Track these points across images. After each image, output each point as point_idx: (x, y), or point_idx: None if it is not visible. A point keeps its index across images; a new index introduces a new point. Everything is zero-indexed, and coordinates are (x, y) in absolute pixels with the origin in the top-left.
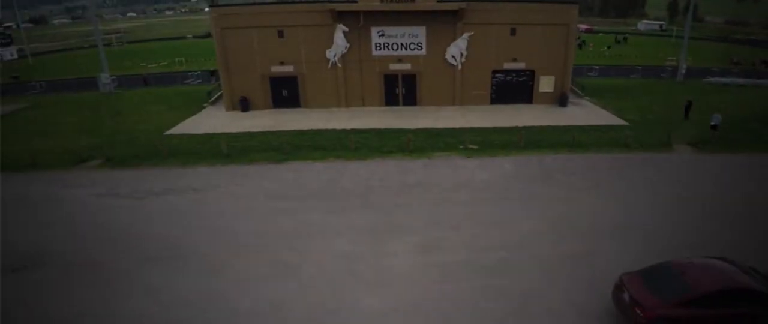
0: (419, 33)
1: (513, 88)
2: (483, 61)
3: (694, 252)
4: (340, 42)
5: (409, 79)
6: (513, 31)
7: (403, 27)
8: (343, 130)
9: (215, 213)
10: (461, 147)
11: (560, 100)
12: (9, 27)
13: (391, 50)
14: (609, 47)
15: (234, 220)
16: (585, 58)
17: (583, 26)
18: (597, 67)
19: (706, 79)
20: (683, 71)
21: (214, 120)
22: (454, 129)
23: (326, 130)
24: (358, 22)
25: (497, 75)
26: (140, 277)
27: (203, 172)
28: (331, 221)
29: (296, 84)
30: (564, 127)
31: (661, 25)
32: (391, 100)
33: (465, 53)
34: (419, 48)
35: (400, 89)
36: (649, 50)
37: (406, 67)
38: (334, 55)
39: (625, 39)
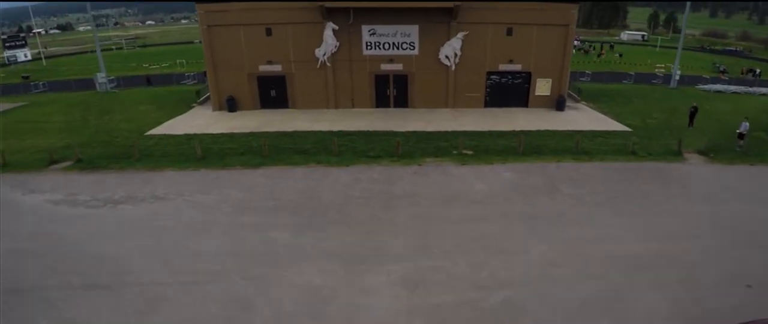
0: (412, 32)
1: (508, 91)
2: (478, 62)
3: (743, 287)
4: (329, 40)
5: (401, 80)
6: (509, 32)
7: (395, 25)
8: (329, 132)
9: (169, 228)
10: (455, 152)
11: (557, 103)
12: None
13: (382, 50)
14: (620, 55)
15: (188, 237)
16: (579, 64)
17: None
18: (589, 72)
19: (698, 86)
20: (677, 78)
21: (199, 120)
22: (446, 132)
23: (311, 132)
24: (348, 19)
25: (492, 77)
26: (59, 312)
27: (171, 178)
28: (301, 242)
29: (284, 84)
30: (564, 131)
31: (643, 36)
32: (382, 101)
33: (459, 54)
34: (412, 48)
35: (391, 90)
36: (637, 57)
37: (398, 67)
38: (324, 54)
39: (611, 47)
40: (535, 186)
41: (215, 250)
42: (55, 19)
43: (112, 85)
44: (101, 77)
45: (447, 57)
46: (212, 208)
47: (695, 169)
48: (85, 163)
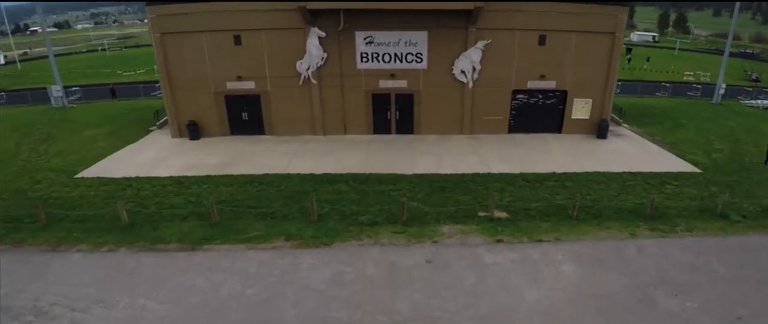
0: (419, 40)
1: (538, 113)
2: (501, 78)
3: None
4: (314, 51)
5: (405, 101)
6: (542, 40)
7: (398, 32)
8: (311, 176)
9: None
10: (483, 215)
11: (599, 129)
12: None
13: (381, 62)
14: (648, 60)
15: None
16: None
17: None
18: (619, 82)
19: (743, 101)
20: (721, 92)
21: (150, 152)
22: (466, 176)
23: (286, 177)
24: (338, 24)
25: (519, 96)
26: None
27: (73, 267)
28: None
29: (259, 105)
30: (620, 175)
31: (653, 37)
32: (381, 126)
33: (479, 68)
34: (419, 60)
35: (392, 113)
36: (660, 62)
37: (402, 84)
38: (308, 69)
39: (629, 50)
40: (617, 295)
41: None
42: (54, 17)
43: (74, 98)
44: (56, 91)
45: (463, 72)
46: None
47: None
48: None
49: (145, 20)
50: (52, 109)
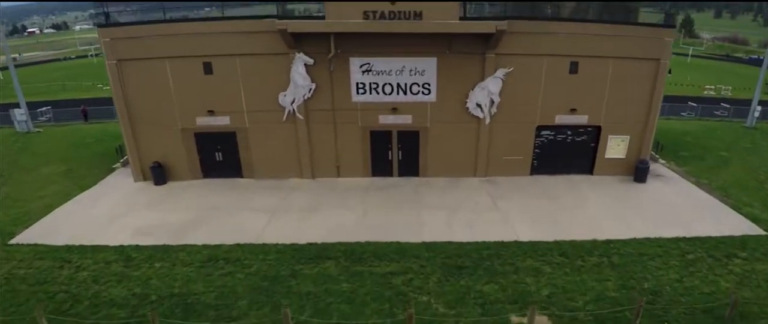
0: (427, 68)
1: (566, 152)
2: (525, 113)
3: None
4: (300, 81)
5: (410, 138)
6: (573, 67)
7: (401, 58)
8: (292, 248)
9: None
10: (517, 319)
11: (637, 170)
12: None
13: (382, 94)
14: (670, 72)
15: None
16: None
17: None
18: None
19: None
20: (757, 114)
21: (105, 205)
22: (488, 246)
23: (262, 248)
24: (329, 49)
25: (544, 132)
26: None
27: None
28: None
29: (235, 143)
30: (675, 243)
31: None
32: (380, 167)
33: (497, 100)
34: (426, 91)
35: (394, 153)
36: (675, 74)
37: (406, 120)
38: (293, 102)
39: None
40: None
41: None
42: (53, 17)
43: (44, 118)
44: (19, 114)
45: (479, 105)
46: None
47: None
48: None
49: None
50: (15, 135)
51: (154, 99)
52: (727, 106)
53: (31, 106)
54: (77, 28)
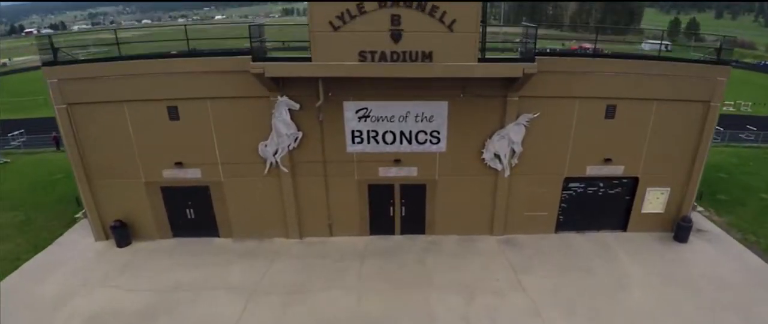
0: (437, 113)
1: (597, 206)
2: (551, 163)
3: None
4: (283, 129)
5: (415, 193)
6: (610, 111)
7: (405, 102)
8: None
9: None
10: None
11: (678, 228)
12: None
13: (382, 144)
14: None
15: None
16: None
17: (586, 45)
18: None
19: None
20: None
21: (55, 281)
22: None
23: None
24: (317, 94)
25: (572, 184)
26: None
27: None
28: None
29: (209, 198)
30: None
31: (667, 46)
32: (380, 224)
33: (519, 149)
34: (435, 140)
35: (396, 209)
36: None
37: (410, 172)
38: (275, 153)
39: None
40: None
41: None
42: (51, 17)
43: (15, 144)
44: None
45: (497, 156)
46: None
47: None
48: None
49: (144, 21)
50: None
51: (112, 149)
52: (754, 128)
53: (6, 127)
54: (75, 28)
